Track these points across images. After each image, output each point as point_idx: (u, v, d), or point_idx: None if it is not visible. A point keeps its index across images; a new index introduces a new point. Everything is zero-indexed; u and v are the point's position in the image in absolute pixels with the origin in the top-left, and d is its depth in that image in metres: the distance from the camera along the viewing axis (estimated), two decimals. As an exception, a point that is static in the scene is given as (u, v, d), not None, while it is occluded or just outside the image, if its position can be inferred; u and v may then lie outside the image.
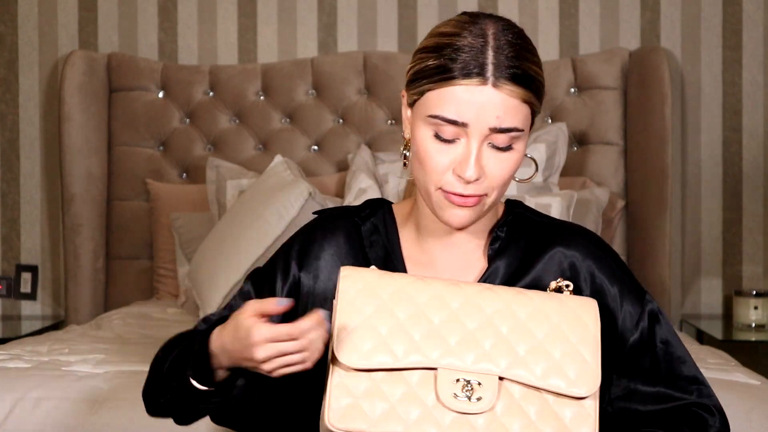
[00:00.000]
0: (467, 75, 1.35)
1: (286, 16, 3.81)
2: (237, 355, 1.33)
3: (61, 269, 3.82)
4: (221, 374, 1.38)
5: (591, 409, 1.33)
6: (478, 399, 1.31)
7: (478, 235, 1.48)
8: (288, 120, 3.73)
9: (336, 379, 1.33)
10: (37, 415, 2.18)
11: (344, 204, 3.29)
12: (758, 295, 3.54)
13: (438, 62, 1.37)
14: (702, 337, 3.50)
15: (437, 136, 1.38)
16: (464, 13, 1.43)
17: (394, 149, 3.61)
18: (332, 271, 1.49)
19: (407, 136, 1.45)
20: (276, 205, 3.11)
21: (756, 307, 3.52)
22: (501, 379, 1.33)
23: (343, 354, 1.33)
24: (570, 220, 1.59)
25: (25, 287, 3.83)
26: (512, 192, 3.19)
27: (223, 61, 3.82)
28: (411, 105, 1.42)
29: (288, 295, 1.50)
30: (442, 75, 1.36)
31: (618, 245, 3.59)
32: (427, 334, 1.34)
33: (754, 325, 3.52)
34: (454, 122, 1.36)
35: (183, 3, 3.83)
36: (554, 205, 3.12)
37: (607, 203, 3.43)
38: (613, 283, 1.46)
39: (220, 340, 1.35)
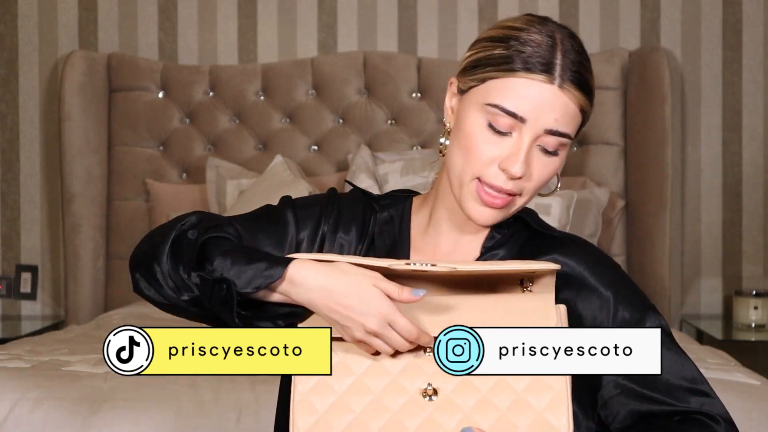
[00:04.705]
0: (534, 69, 1.34)
1: (286, 16, 3.81)
2: (338, 306, 1.28)
3: (61, 269, 3.82)
4: (274, 297, 1.32)
5: (564, 393, 1.30)
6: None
7: (482, 231, 1.47)
8: (288, 120, 3.73)
9: (298, 396, 1.32)
10: (37, 415, 2.18)
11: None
12: (758, 295, 3.54)
13: (505, 52, 1.36)
14: (702, 337, 3.50)
15: (491, 126, 1.36)
16: (529, 15, 1.43)
17: (394, 149, 3.61)
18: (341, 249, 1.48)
19: (449, 124, 1.43)
20: (276, 205, 3.11)
21: (756, 307, 3.52)
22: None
23: None
24: (571, 231, 1.54)
25: (25, 287, 3.83)
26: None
27: (223, 61, 3.82)
28: (463, 92, 1.40)
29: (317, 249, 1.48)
30: (509, 65, 1.35)
31: (618, 245, 3.59)
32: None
33: (754, 325, 3.52)
34: (513, 114, 1.34)
35: (183, 3, 3.82)
36: (554, 205, 3.12)
37: (607, 203, 3.43)
38: (607, 288, 1.43)
39: (321, 278, 1.29)
